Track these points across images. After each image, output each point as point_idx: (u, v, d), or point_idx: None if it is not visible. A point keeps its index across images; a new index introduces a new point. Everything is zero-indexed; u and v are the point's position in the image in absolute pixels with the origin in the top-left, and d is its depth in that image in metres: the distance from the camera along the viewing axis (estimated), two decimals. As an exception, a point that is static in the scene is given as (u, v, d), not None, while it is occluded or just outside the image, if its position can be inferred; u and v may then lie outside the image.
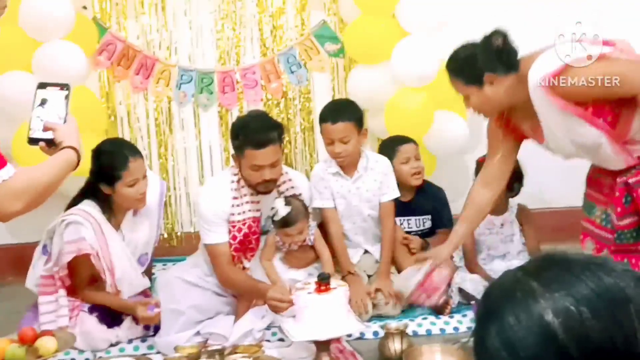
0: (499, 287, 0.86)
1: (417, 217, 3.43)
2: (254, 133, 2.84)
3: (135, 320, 2.97)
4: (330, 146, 3.10)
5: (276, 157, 2.88)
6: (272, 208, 2.97)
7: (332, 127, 3.06)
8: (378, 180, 3.19)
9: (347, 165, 3.17)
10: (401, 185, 3.29)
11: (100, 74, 3.80)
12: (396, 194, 3.21)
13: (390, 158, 3.33)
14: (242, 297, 3.06)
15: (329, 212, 3.21)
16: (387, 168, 3.22)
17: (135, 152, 2.91)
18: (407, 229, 3.42)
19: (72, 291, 2.92)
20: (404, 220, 3.41)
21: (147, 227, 3.04)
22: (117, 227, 2.96)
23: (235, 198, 2.98)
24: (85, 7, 3.69)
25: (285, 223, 2.97)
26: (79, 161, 1.77)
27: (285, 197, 3.00)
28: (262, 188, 2.93)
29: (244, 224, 3.00)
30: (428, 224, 3.43)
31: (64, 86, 1.85)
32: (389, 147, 3.41)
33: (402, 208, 3.35)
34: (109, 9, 3.76)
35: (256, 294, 2.96)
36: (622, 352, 0.76)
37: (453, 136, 3.61)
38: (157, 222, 3.10)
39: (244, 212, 3.00)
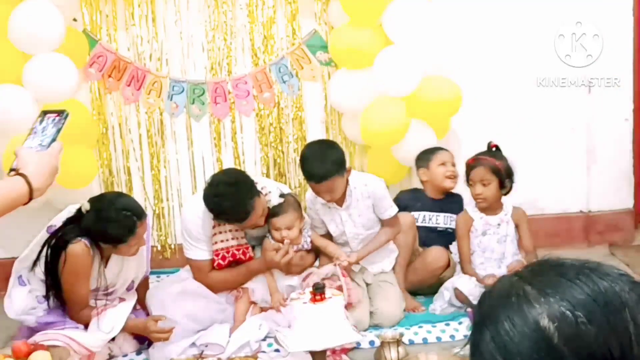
0: (494, 293, 0.86)
1: (446, 215, 3.53)
2: (230, 215, 2.95)
3: (132, 334, 2.94)
4: (318, 194, 3.10)
5: (258, 214, 2.96)
6: (268, 200, 3.04)
7: (318, 185, 3.04)
8: (369, 204, 3.18)
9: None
10: (434, 187, 3.51)
11: (92, 86, 3.79)
12: (393, 211, 3.21)
13: (427, 163, 3.50)
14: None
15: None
16: (378, 189, 3.18)
17: (142, 213, 2.79)
18: (435, 224, 3.53)
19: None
20: (433, 215, 3.54)
21: (134, 265, 2.98)
22: (105, 261, 2.87)
23: (215, 226, 3.04)
24: (75, 20, 3.68)
25: (274, 212, 3.01)
26: (31, 193, 1.51)
27: (280, 193, 3.04)
28: (255, 230, 3.10)
29: (227, 252, 3.04)
30: (454, 224, 3.50)
31: (61, 113, 1.73)
32: (427, 153, 3.54)
33: (432, 205, 3.53)
34: (99, 21, 3.74)
35: (253, 274, 3.09)
36: (617, 357, 0.76)
37: (422, 147, 3.60)
38: (145, 259, 3.06)
39: (227, 239, 3.04)
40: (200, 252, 3.06)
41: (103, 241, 2.77)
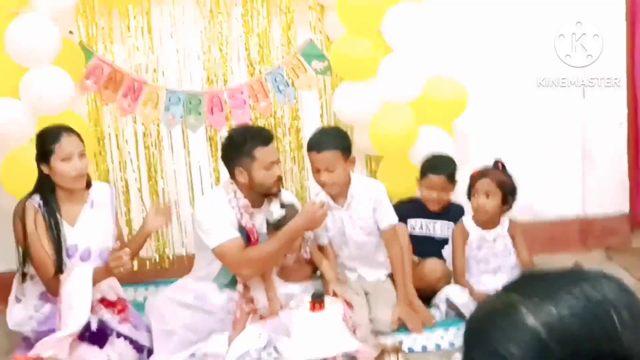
0: (481, 309, 0.90)
1: (443, 222, 3.49)
2: (258, 133, 3.03)
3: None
4: (317, 174, 3.11)
5: (278, 154, 3.08)
6: (268, 211, 3.01)
7: (317, 155, 3.08)
8: (370, 207, 3.18)
9: (337, 194, 3.17)
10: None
11: (88, 98, 3.80)
12: (394, 220, 3.21)
13: (420, 177, 3.46)
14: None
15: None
16: (380, 193, 3.20)
17: (71, 130, 2.98)
18: (432, 233, 3.49)
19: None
20: (430, 223, 3.49)
21: (102, 218, 3.05)
22: (72, 221, 2.98)
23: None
24: (71, 32, 3.69)
25: (278, 225, 2.99)
26: None
27: (281, 202, 3.03)
28: (276, 188, 3.04)
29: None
30: (450, 234, 3.49)
31: None
32: (425, 166, 3.47)
33: (430, 212, 3.48)
34: (95, 33, 3.76)
35: (291, 239, 2.98)
36: (607, 350, 0.79)
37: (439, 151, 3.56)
38: (112, 217, 3.11)
39: (244, 225, 3.03)
40: (230, 230, 2.97)
41: (39, 159, 2.92)
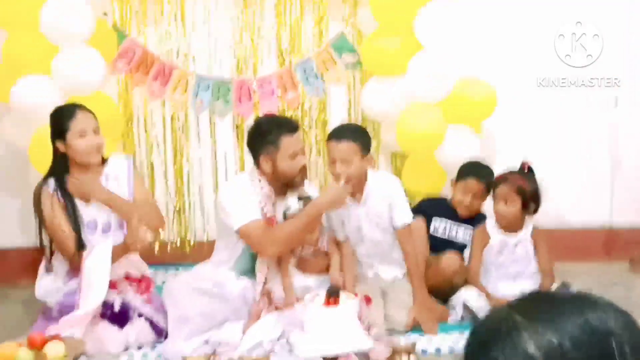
0: (486, 324, 0.89)
1: (467, 228, 3.44)
2: (284, 122, 3.06)
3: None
4: (333, 165, 3.09)
5: (303, 144, 3.11)
6: (286, 204, 3.01)
7: (336, 144, 3.06)
8: (386, 203, 3.16)
9: (352, 190, 3.13)
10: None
11: (119, 80, 3.83)
12: (408, 218, 3.19)
13: (455, 181, 3.44)
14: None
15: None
16: (396, 189, 3.18)
17: (85, 107, 3.05)
18: (453, 236, 3.44)
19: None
20: (454, 226, 3.45)
21: (118, 191, 3.10)
22: (87, 199, 3.05)
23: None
24: (105, 14, 3.72)
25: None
26: None
27: (300, 195, 3.03)
28: (300, 178, 3.04)
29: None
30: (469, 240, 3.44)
31: None
32: (466, 169, 3.43)
33: (455, 215, 3.44)
34: (128, 15, 3.78)
35: (315, 217, 2.96)
36: None
37: (465, 152, 3.53)
38: (129, 188, 3.14)
39: (265, 213, 3.04)
40: (254, 211, 2.98)
41: (55, 137, 3.01)
